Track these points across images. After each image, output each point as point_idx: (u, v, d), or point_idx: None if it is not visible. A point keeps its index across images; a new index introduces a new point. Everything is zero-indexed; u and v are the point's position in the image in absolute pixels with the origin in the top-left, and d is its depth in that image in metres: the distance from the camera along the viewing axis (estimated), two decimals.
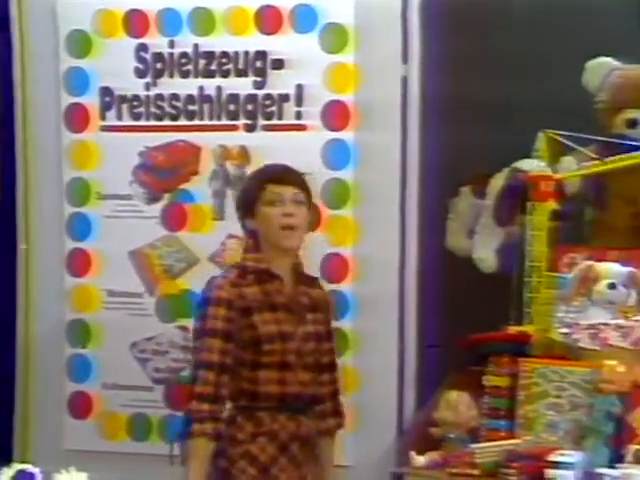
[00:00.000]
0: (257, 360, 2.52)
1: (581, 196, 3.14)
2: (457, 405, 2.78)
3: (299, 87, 3.23)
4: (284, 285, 2.60)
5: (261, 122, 3.26)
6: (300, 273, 2.64)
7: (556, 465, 2.54)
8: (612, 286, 2.85)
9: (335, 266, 3.15)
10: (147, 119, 3.28)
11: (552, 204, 3.00)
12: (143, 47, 3.26)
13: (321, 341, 2.62)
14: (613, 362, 2.72)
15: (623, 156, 3.00)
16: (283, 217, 2.55)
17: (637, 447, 2.61)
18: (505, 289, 2.98)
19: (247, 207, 2.61)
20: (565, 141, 3.00)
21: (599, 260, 2.92)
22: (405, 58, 3.19)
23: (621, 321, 2.82)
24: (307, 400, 2.58)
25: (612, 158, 3.00)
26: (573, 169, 3.08)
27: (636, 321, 2.81)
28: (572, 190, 3.13)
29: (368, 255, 3.15)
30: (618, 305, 2.86)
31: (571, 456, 2.54)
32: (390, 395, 3.09)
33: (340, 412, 2.70)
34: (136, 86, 3.27)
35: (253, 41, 3.25)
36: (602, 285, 2.86)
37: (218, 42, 3.24)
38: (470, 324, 2.90)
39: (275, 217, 2.56)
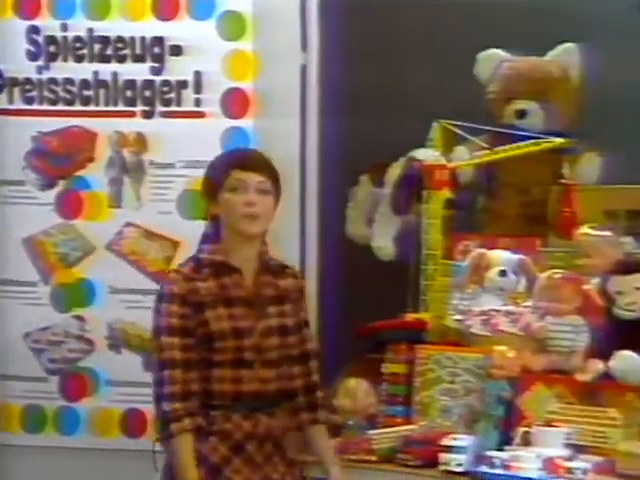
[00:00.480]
0: (210, 358, 2.43)
1: (474, 185, 3.25)
2: (355, 392, 2.82)
3: (197, 74, 3.25)
4: (244, 278, 2.49)
5: (159, 109, 3.26)
6: (266, 262, 2.53)
7: (449, 449, 2.62)
8: (503, 273, 2.95)
9: None
10: (40, 103, 3.25)
11: (446, 193, 3.09)
12: (34, 29, 3.24)
13: (287, 334, 2.50)
14: (503, 348, 2.81)
15: (512, 146, 3.10)
16: (245, 206, 2.45)
17: (525, 429, 2.68)
18: (403, 277, 3.07)
19: (210, 192, 2.51)
20: (458, 131, 3.09)
21: (491, 248, 3.01)
22: (304, 46, 3.26)
23: (511, 307, 2.90)
24: (270, 397, 2.48)
25: (502, 148, 3.11)
26: (466, 158, 3.18)
27: (525, 307, 2.89)
28: (465, 179, 3.22)
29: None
30: (508, 292, 2.96)
31: (463, 440, 2.62)
32: None
33: (316, 405, 2.57)
34: (28, 69, 3.24)
35: (150, 27, 3.26)
36: (493, 272, 2.96)
37: (113, 27, 3.25)
38: (368, 311, 2.96)
39: (237, 205, 2.45)
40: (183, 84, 3.26)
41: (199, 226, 3.04)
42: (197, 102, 3.24)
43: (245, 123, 3.21)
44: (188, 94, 3.24)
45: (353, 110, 3.32)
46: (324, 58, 3.24)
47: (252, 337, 2.44)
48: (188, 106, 3.23)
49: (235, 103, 3.21)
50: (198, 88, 3.25)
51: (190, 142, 3.15)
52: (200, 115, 3.22)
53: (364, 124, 3.22)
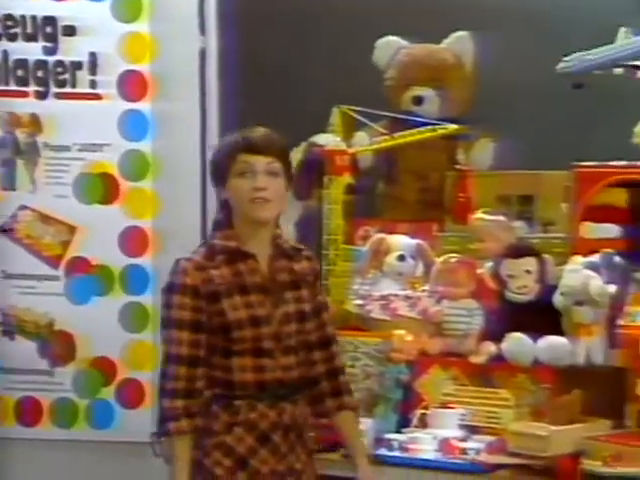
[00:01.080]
0: (229, 347, 2.33)
1: (374, 170, 3.32)
2: None
3: (92, 55, 3.26)
4: (259, 263, 2.37)
5: (53, 90, 3.25)
6: (280, 246, 2.41)
7: None
8: (401, 258, 3.03)
9: (134, 239, 3.22)
10: None
11: (347, 178, 3.18)
12: None
13: (305, 320, 2.39)
14: (402, 332, 2.89)
15: (410, 132, 3.19)
16: (254, 191, 2.32)
17: (422, 411, 2.78)
18: None
19: (218, 177, 2.39)
20: (358, 116, 3.19)
21: (390, 233, 3.09)
22: (202, 29, 3.29)
23: (409, 292, 2.98)
24: (294, 385, 2.38)
25: (400, 134, 3.19)
26: (366, 144, 3.26)
27: (422, 292, 2.97)
28: (365, 164, 3.29)
29: (168, 228, 3.20)
30: (407, 276, 3.04)
31: (363, 423, 2.62)
32: None
33: (340, 390, 2.45)
34: None
35: (41, 5, 3.26)
36: (392, 257, 3.04)
37: (2, 4, 3.24)
38: None
39: (246, 190, 2.33)
40: (78, 65, 3.25)
41: (96, 210, 3.19)
42: (93, 84, 3.26)
43: (143, 106, 3.24)
44: (83, 75, 3.24)
45: (253, 94, 3.35)
46: (223, 41, 3.28)
47: (270, 325, 2.35)
48: (83, 88, 3.25)
49: (132, 85, 3.23)
50: (93, 69, 3.26)
51: (86, 124, 3.17)
52: (96, 97, 3.24)
53: (264, 108, 3.12)
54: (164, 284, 2.38)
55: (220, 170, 2.40)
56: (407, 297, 2.98)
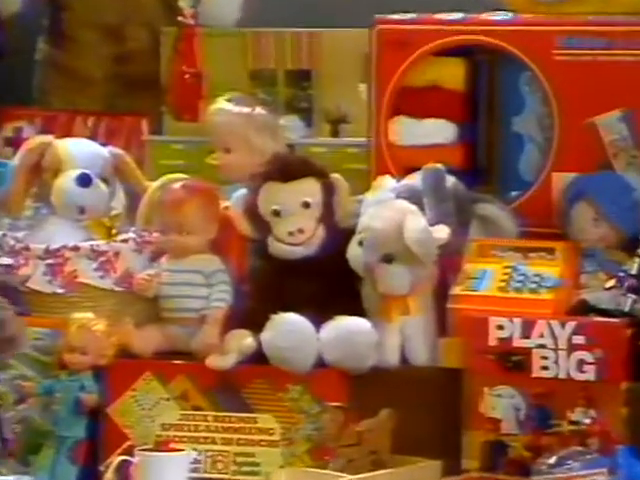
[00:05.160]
0: None
1: (27, 20, 3.30)
2: None
3: None
4: None
5: None
6: None
7: None
8: (83, 181, 2.88)
9: None
10: None
11: None
12: None
13: None
14: (85, 315, 2.76)
15: None
16: None
17: (122, 458, 2.58)
18: None
19: None
20: None
21: (63, 135, 3.02)
22: None
23: (98, 243, 2.87)
24: None
25: None
26: None
27: (124, 241, 2.87)
28: (10, 9, 3.31)
29: None
30: (93, 213, 2.94)
31: None
32: None
33: None
34: None
35: None
36: (66, 179, 2.88)
37: None
38: None
39: None
40: None
41: None
42: None
43: None
44: None
45: None
46: None
47: None
48: None
49: None
50: None
51: None
52: None
53: None
54: None
55: None
56: (95, 252, 2.84)
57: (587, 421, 2.49)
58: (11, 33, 3.29)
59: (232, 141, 3.04)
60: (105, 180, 2.93)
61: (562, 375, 2.50)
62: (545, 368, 2.51)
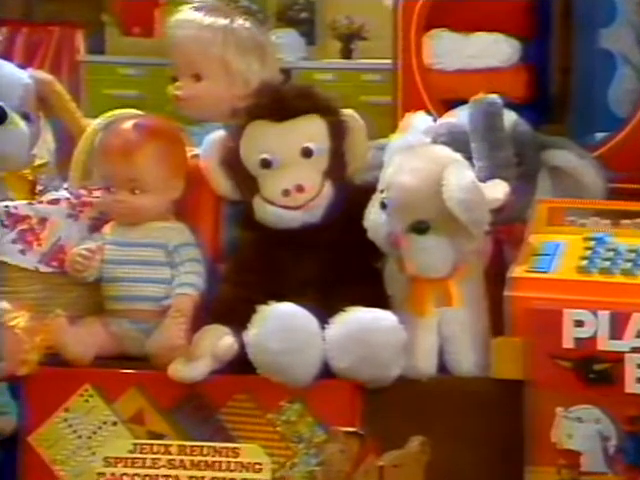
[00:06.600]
0: None
1: None
2: None
3: None
4: None
5: None
6: None
7: None
8: None
9: None
10: None
11: None
12: None
13: None
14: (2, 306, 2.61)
15: None
16: None
17: None
18: None
19: None
20: None
21: None
22: None
23: (18, 203, 2.65)
24: None
25: None
26: None
27: (52, 202, 2.65)
28: None
29: None
30: (11, 163, 2.78)
31: None
32: None
33: None
34: None
35: None
36: None
37: None
38: None
39: None
40: None
41: None
42: None
43: None
44: None
45: None
46: None
47: None
48: None
49: None
50: None
51: None
52: None
53: None
54: None
55: None
56: (11, 217, 2.63)
57: None
58: None
59: (203, 64, 2.80)
60: (25, 116, 2.72)
61: None
62: None
